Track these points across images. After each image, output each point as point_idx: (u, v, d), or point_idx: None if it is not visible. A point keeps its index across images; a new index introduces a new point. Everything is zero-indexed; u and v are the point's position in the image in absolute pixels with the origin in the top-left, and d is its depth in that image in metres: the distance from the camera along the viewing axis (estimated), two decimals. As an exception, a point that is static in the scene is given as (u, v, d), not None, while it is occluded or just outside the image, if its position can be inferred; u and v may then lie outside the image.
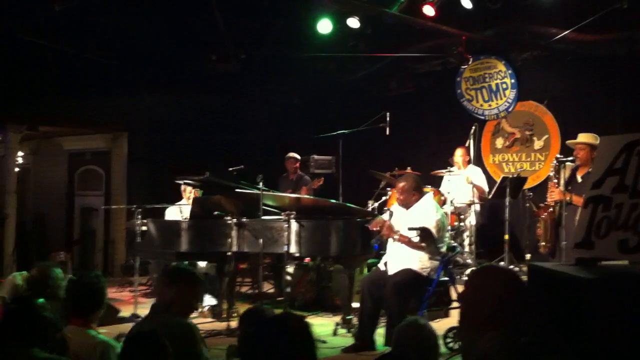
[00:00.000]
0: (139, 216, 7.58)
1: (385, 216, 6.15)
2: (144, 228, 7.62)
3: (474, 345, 2.64)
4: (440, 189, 8.69)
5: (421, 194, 6.15)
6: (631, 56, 8.32)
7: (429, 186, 8.38)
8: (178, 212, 8.27)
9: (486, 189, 8.79)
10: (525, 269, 6.74)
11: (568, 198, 6.18)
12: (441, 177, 9.01)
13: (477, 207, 8.74)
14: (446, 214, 8.02)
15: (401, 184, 6.15)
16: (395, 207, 6.33)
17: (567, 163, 6.40)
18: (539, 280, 3.48)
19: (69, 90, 10.06)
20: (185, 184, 7.96)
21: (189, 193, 8.30)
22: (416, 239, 5.84)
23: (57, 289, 4.35)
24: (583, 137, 6.52)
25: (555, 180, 6.42)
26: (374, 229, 6.09)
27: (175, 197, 8.61)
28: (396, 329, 3.59)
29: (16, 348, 3.20)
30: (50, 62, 9.64)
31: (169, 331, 3.23)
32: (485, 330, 2.62)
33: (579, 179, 6.39)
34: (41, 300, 3.47)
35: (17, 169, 10.63)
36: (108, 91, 10.27)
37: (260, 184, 6.76)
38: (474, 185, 8.59)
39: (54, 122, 10.99)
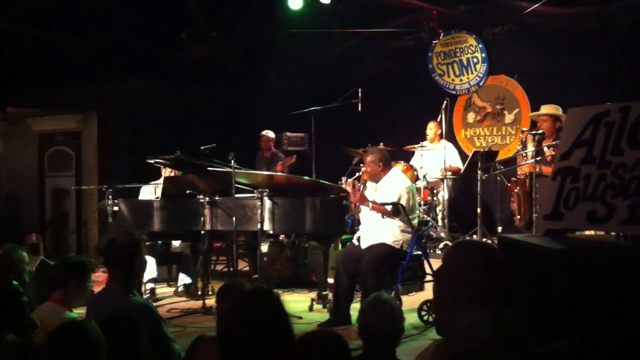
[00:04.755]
0: (110, 196, 7.52)
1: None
2: (116, 208, 7.56)
3: (452, 321, 2.67)
4: (412, 163, 8.73)
5: (389, 167, 6.20)
6: (602, 30, 8.38)
7: (402, 162, 8.43)
8: (152, 191, 8.17)
9: (459, 164, 8.84)
10: (497, 241, 6.83)
11: (538, 169, 6.25)
12: (414, 153, 9.05)
13: (450, 181, 8.80)
14: (419, 189, 8.07)
15: (368, 157, 6.22)
16: (369, 182, 6.36)
17: (530, 135, 6.47)
18: (509, 251, 3.52)
19: (38, 71, 9.88)
20: (155, 163, 7.88)
21: (169, 172, 8.18)
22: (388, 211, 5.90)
23: (22, 272, 4.26)
24: (545, 109, 6.62)
25: (524, 153, 6.49)
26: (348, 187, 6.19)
27: (146, 176, 8.51)
28: (361, 307, 3.64)
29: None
30: (17, 44, 9.45)
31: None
32: (461, 306, 2.64)
33: (545, 150, 6.46)
34: (15, 283, 3.45)
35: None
36: (77, 72, 10.11)
37: (232, 162, 6.73)
38: (448, 168, 8.65)
39: (22, 104, 10.80)
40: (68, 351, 2.72)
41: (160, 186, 7.97)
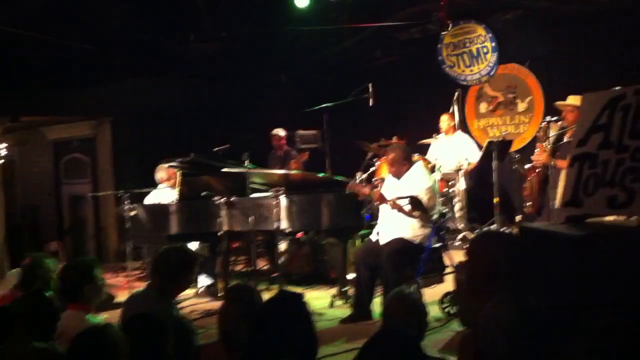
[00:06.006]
0: (128, 201, 7.55)
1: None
2: (133, 213, 7.59)
3: (478, 310, 2.67)
4: (427, 156, 8.71)
5: (411, 163, 6.16)
6: (613, 13, 8.31)
7: (417, 154, 8.40)
8: (158, 198, 8.16)
9: (476, 155, 8.77)
10: (516, 230, 6.79)
11: (553, 163, 6.18)
12: (428, 145, 9.04)
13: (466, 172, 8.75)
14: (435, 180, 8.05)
15: (390, 156, 6.15)
16: (388, 177, 6.34)
17: (555, 123, 6.39)
18: (530, 240, 3.50)
19: (50, 79, 9.94)
20: (170, 166, 7.90)
21: (167, 176, 8.16)
22: (407, 207, 5.86)
23: (49, 281, 4.31)
24: (572, 100, 6.40)
25: (544, 142, 6.41)
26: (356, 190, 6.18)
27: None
28: (384, 302, 3.63)
29: (20, 340, 3.22)
30: (29, 52, 9.51)
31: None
32: (488, 296, 2.65)
33: (566, 141, 6.38)
34: (50, 292, 3.49)
35: (1, 161, 10.53)
36: (89, 78, 10.16)
37: (247, 162, 6.75)
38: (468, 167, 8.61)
39: (36, 112, 10.88)
40: (89, 356, 2.76)
41: (163, 192, 7.98)
